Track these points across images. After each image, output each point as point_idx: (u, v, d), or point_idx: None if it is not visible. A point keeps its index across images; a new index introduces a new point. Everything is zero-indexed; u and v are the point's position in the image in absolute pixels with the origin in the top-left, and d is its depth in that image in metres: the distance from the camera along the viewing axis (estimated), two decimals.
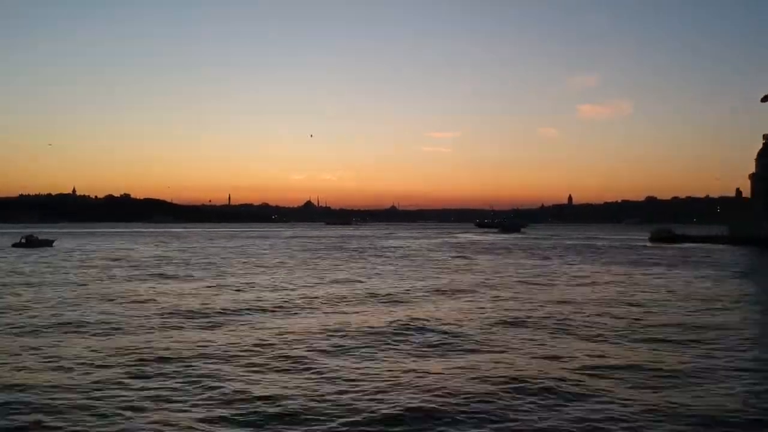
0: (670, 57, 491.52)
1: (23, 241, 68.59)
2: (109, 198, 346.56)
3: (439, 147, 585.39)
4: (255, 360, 15.02)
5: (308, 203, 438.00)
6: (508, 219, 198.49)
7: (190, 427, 10.29)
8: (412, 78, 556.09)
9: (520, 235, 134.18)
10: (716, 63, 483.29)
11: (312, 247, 76.56)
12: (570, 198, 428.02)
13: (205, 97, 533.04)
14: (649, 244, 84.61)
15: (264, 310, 23.31)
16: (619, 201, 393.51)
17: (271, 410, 11.10)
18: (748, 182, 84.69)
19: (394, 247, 76.99)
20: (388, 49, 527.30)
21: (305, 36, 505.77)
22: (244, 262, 48.04)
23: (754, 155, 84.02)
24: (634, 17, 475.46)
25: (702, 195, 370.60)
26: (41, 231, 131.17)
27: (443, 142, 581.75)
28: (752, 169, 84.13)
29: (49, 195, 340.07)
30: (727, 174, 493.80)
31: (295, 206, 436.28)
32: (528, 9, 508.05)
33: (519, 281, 34.48)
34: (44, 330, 18.92)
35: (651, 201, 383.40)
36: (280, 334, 18.37)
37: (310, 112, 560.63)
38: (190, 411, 11.07)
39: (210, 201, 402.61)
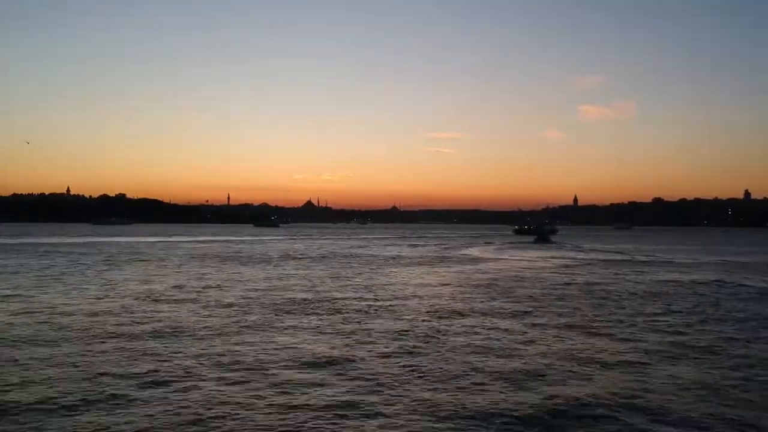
0: (672, 58, 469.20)
1: None
2: (104, 197, 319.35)
3: (441, 147, 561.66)
4: None
5: (309, 203, 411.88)
6: (542, 223, 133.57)
7: None
8: (414, 78, 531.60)
9: (571, 253, 64.70)
10: (718, 63, 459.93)
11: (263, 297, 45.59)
12: (575, 199, 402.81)
13: (204, 95, 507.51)
14: None
15: None
16: (626, 202, 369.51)
17: None
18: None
19: (402, 292, 38.92)
20: (390, 49, 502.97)
21: (305, 36, 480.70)
22: None
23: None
24: (637, 19, 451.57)
25: (710, 197, 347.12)
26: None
27: (445, 142, 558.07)
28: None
29: (42, 194, 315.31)
30: (733, 175, 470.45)
31: (296, 206, 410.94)
32: (531, 10, 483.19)
33: None
34: None
35: (658, 202, 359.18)
36: None
37: (311, 112, 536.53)
38: None
39: (207, 201, 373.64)
